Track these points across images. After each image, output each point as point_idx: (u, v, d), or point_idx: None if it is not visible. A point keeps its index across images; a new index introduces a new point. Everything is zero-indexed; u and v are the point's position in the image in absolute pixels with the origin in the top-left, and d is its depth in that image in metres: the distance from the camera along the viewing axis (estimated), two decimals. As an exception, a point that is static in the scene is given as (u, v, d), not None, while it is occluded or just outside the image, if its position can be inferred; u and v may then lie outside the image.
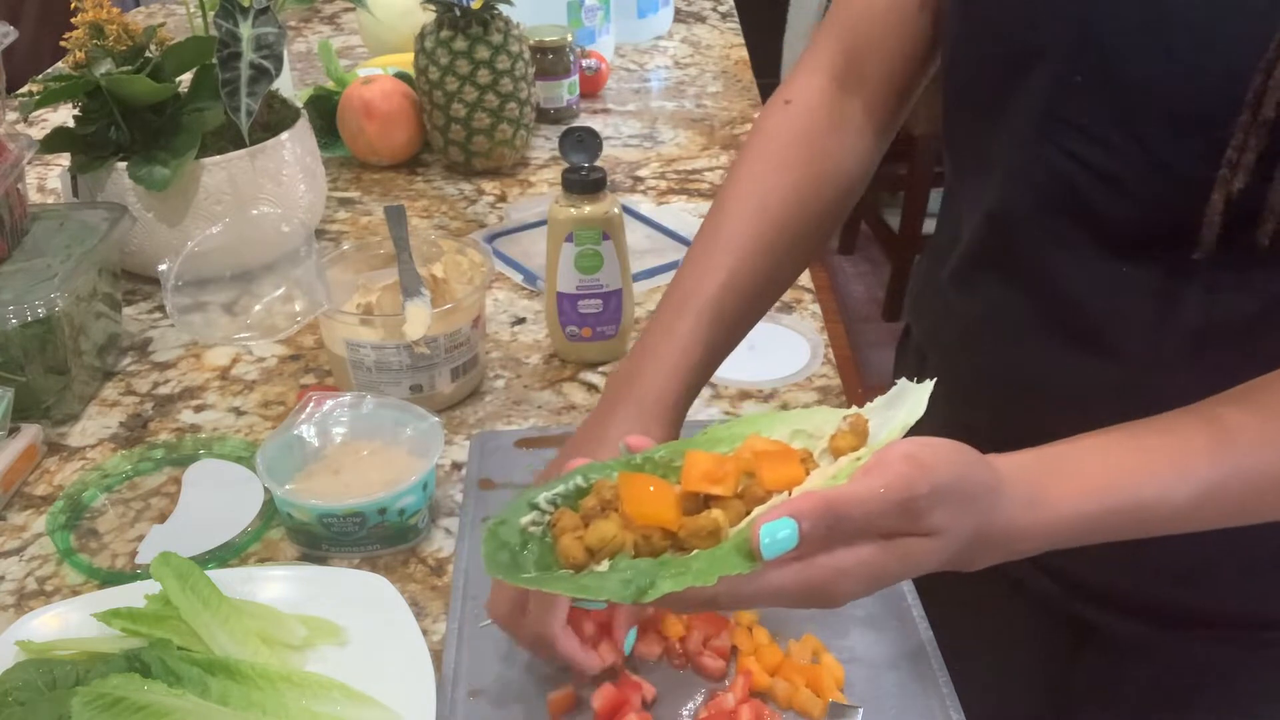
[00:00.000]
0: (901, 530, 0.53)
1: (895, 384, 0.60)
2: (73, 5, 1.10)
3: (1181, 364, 0.68)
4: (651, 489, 0.55)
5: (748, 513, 0.56)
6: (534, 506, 0.57)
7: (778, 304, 1.15)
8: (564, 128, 1.41)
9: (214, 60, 1.10)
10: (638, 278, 1.16)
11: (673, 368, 0.73)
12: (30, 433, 0.94)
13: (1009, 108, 0.70)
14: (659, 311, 0.77)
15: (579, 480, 0.59)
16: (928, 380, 0.59)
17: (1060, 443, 0.60)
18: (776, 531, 0.51)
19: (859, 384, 2.95)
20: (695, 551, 0.54)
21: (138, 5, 2.19)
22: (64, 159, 1.21)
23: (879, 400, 0.61)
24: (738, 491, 0.56)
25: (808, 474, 0.56)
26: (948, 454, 0.54)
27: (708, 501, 0.56)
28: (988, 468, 0.56)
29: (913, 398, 0.59)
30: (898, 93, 0.83)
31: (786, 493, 0.55)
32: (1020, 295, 0.75)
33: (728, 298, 0.75)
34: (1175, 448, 0.59)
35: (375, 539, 0.83)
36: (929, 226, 3.08)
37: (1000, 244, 0.75)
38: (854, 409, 0.61)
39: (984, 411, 0.82)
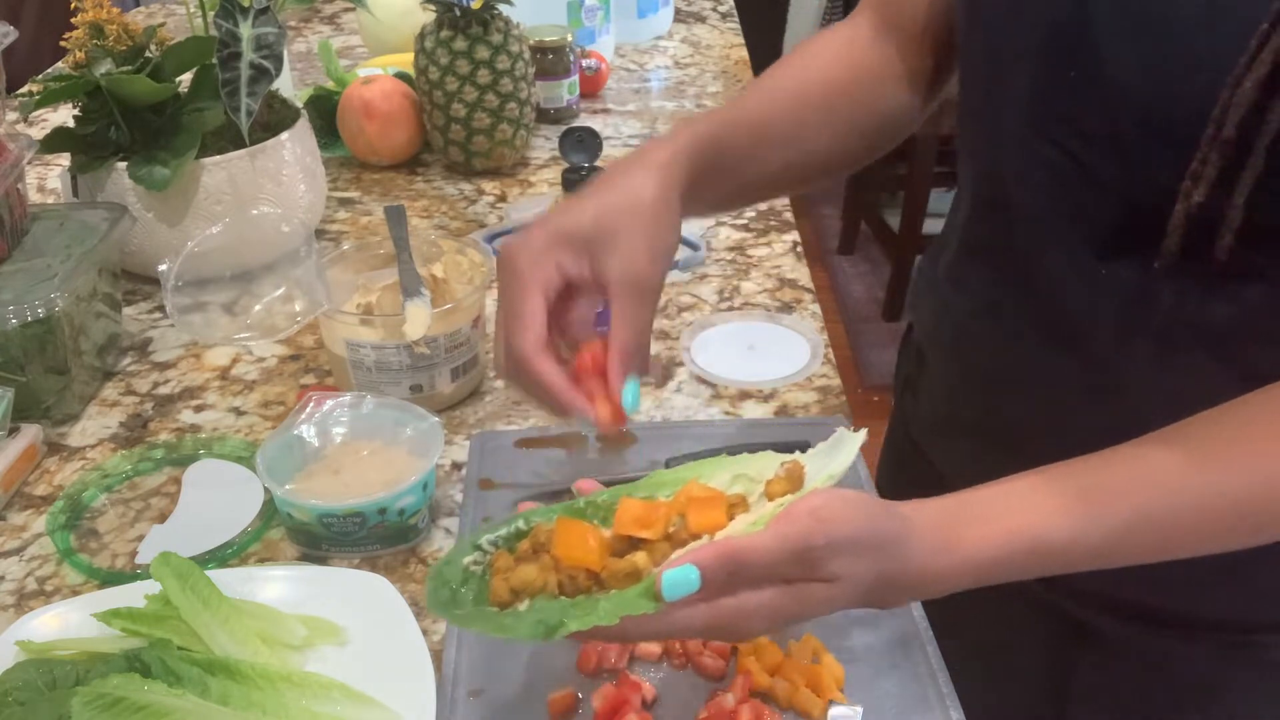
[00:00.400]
0: (801, 577, 0.56)
1: (835, 432, 0.64)
2: (73, 5, 1.10)
3: (1150, 367, 0.68)
4: (581, 534, 0.59)
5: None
6: (477, 547, 0.62)
7: (778, 304, 1.16)
8: (564, 128, 1.41)
9: (214, 60, 1.10)
10: (638, 278, 1.16)
11: (674, 138, 0.70)
12: (30, 433, 0.94)
13: (1008, 99, 0.70)
14: None
15: (520, 524, 0.62)
16: (861, 431, 0.63)
17: (981, 486, 0.62)
18: (678, 577, 0.55)
19: (859, 384, 2.95)
20: (611, 592, 0.57)
21: (138, 5, 2.19)
22: (64, 159, 1.21)
23: (820, 447, 0.64)
24: (667, 534, 0.59)
25: (732, 519, 0.60)
26: (853, 510, 0.57)
27: (639, 545, 0.59)
28: (894, 519, 0.58)
29: (846, 448, 0.63)
30: (933, 54, 0.82)
31: (708, 536, 0.59)
32: (1007, 291, 0.75)
33: (744, 111, 0.75)
34: (1090, 491, 0.61)
35: (375, 539, 0.83)
36: (929, 226, 3.11)
37: (991, 238, 0.76)
38: (795, 455, 0.63)
39: (977, 408, 0.83)
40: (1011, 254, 0.74)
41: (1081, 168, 0.66)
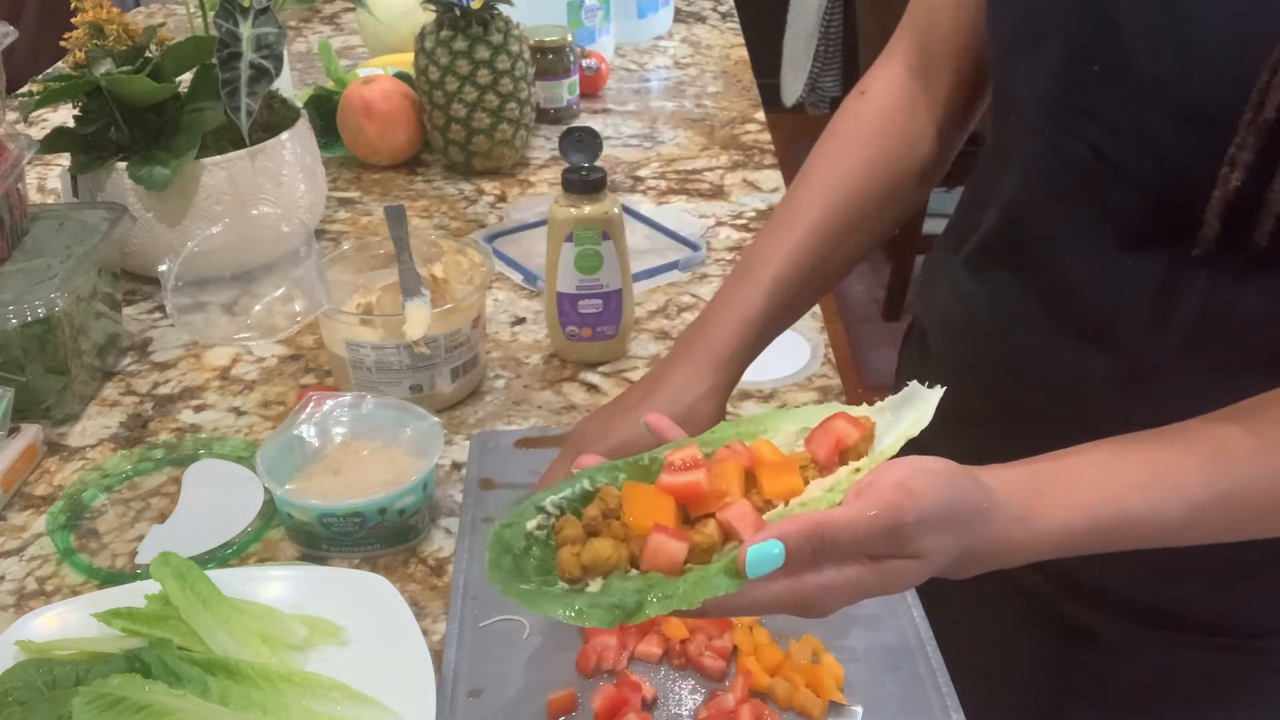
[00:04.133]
0: (888, 554, 0.55)
1: (907, 385, 0.61)
2: (73, 5, 1.10)
3: (1179, 360, 0.68)
4: (653, 500, 0.56)
5: None
6: (540, 510, 0.58)
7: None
8: (564, 128, 1.41)
9: (214, 60, 1.10)
10: (637, 278, 1.16)
11: (728, 329, 0.77)
12: (30, 433, 0.94)
13: (1030, 93, 0.70)
14: (724, 283, 0.81)
15: (585, 484, 0.59)
16: (938, 387, 0.60)
17: (1055, 455, 0.61)
18: (762, 553, 0.53)
19: (859, 384, 2.95)
20: (689, 568, 0.55)
21: (138, 5, 2.19)
22: (64, 159, 1.21)
23: (889, 400, 0.61)
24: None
25: (807, 483, 0.57)
26: (941, 482, 0.55)
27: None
28: (979, 488, 0.57)
29: (920, 405, 0.60)
30: (968, 88, 0.83)
31: (783, 503, 0.57)
32: (1027, 284, 0.75)
33: (787, 268, 0.78)
34: (1168, 465, 0.60)
35: (375, 539, 0.83)
36: (929, 226, 3.09)
37: (1014, 232, 0.76)
38: (863, 407, 0.61)
39: (985, 398, 0.83)
40: (1033, 248, 0.74)
41: (1107, 163, 0.66)
